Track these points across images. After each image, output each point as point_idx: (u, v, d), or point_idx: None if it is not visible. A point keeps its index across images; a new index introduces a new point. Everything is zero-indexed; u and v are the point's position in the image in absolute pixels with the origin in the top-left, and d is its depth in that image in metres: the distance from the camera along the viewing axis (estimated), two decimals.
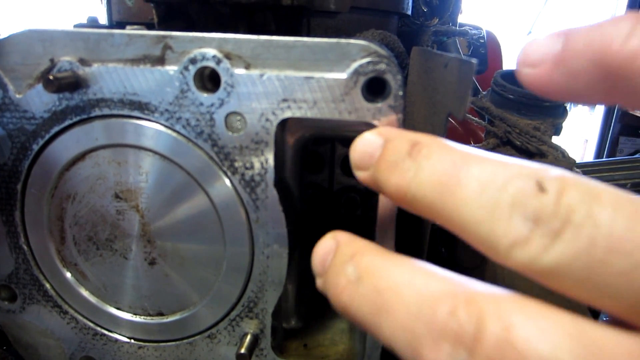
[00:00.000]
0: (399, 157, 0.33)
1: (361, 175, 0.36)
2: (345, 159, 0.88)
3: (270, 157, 0.49)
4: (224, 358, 0.59)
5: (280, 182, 0.51)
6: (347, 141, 0.90)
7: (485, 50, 1.56)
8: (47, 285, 0.59)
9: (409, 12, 0.96)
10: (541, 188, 0.26)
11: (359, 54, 0.45)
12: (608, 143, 5.27)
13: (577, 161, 1.01)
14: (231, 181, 0.50)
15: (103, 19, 0.95)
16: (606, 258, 0.24)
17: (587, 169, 1.42)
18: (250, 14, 0.67)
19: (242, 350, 0.55)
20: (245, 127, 0.48)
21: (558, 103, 0.79)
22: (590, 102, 0.32)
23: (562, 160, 0.74)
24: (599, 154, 5.35)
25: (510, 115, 0.80)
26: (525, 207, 0.26)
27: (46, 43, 0.49)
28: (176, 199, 0.52)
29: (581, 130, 5.50)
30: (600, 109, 5.38)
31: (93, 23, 0.83)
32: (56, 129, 0.52)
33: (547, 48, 0.30)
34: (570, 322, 0.25)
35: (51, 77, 0.47)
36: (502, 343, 0.24)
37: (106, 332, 0.60)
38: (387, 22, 0.90)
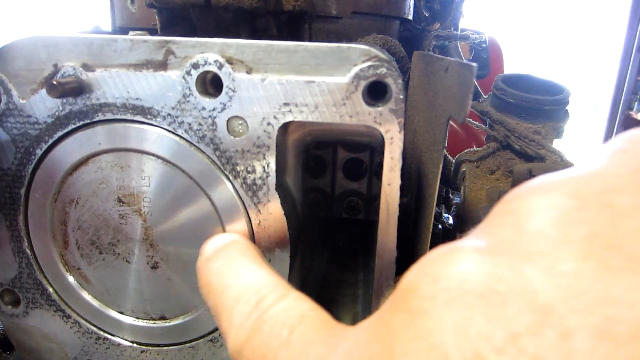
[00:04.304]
0: None
1: None
2: (347, 162, 0.88)
3: (272, 161, 0.49)
4: None
5: (281, 186, 0.51)
6: (349, 145, 0.90)
7: (487, 54, 1.56)
8: (50, 290, 0.59)
9: (411, 17, 0.97)
10: None
11: (360, 58, 0.45)
12: None
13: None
14: (233, 185, 0.51)
15: (107, 25, 0.96)
16: None
17: None
18: (252, 19, 0.68)
19: None
20: (247, 131, 0.48)
21: (559, 106, 0.79)
22: None
23: (559, 164, 0.74)
24: None
25: (511, 119, 0.80)
26: None
27: (50, 49, 0.50)
28: (178, 203, 0.53)
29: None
30: (603, 111, 5.38)
31: (97, 30, 0.84)
32: (59, 133, 0.52)
33: None
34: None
35: (55, 82, 0.48)
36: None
37: (109, 336, 0.60)
38: (388, 26, 0.91)
